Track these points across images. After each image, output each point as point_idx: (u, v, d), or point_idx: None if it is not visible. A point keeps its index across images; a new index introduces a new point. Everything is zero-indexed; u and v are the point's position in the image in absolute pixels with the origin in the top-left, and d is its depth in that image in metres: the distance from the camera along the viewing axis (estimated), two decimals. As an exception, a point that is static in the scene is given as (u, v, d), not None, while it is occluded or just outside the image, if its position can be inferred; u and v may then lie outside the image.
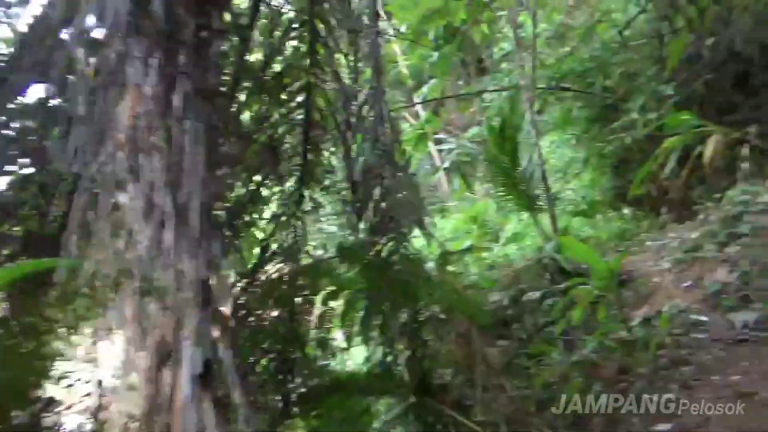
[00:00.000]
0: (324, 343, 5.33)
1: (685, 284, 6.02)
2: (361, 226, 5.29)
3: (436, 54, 8.33)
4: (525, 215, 8.12)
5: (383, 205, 5.21)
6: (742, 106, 8.41)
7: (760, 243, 5.59)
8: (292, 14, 4.69)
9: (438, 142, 11.06)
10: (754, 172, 7.61)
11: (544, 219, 8.48)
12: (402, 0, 7.11)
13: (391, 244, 5.32)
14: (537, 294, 6.50)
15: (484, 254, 8.49)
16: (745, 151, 7.00)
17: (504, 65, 9.55)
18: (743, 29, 7.97)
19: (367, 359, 5.87)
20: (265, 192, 4.97)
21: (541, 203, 8.07)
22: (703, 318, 5.16)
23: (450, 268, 8.50)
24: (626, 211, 9.26)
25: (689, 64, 8.73)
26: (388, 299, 5.18)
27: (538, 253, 7.35)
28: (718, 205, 7.09)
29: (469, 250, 7.46)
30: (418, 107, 11.95)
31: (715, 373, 3.89)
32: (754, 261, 5.39)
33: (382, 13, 5.95)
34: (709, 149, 7.93)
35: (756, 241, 5.67)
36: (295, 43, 4.70)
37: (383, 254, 5.30)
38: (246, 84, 4.59)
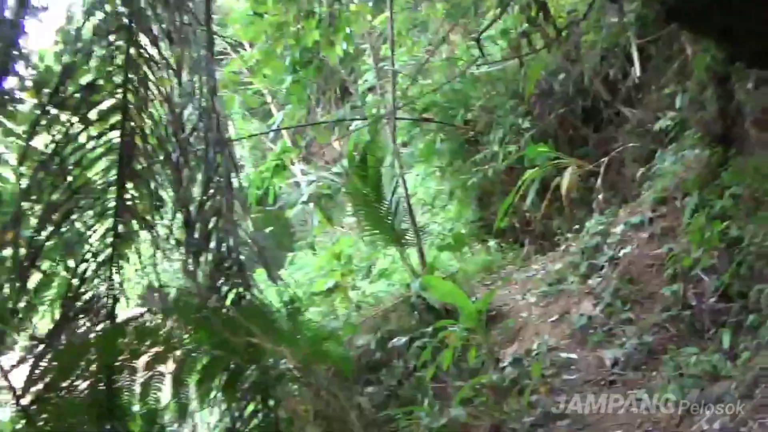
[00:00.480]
0: (151, 416, 4.36)
1: (552, 319, 5.84)
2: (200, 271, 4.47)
3: (289, 78, 7.79)
4: (393, 250, 7.69)
5: (225, 246, 4.45)
6: (592, 140, 8.75)
7: (619, 274, 5.55)
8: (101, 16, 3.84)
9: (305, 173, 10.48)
10: (608, 202, 7.84)
11: (413, 254, 8.12)
12: (245, 15, 6.49)
13: (235, 291, 4.56)
14: (404, 339, 6.01)
15: (351, 293, 7.92)
16: (598, 183, 7.15)
17: (369, 97, 9.27)
18: (590, 66, 8.31)
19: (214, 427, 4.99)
20: (69, 232, 3.99)
21: (408, 237, 7.69)
22: (573, 356, 4.94)
23: (311, 311, 7.84)
24: (492, 243, 9.21)
25: (543, 98, 8.97)
26: (233, 356, 4.38)
27: (407, 290, 6.90)
28: (578, 237, 7.14)
29: (332, 290, 6.84)
30: (285, 135, 11.31)
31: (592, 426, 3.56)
32: (615, 293, 5.32)
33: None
34: (565, 181, 8.09)
35: (615, 273, 5.63)
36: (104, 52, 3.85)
37: (225, 303, 4.53)
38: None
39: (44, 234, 3.89)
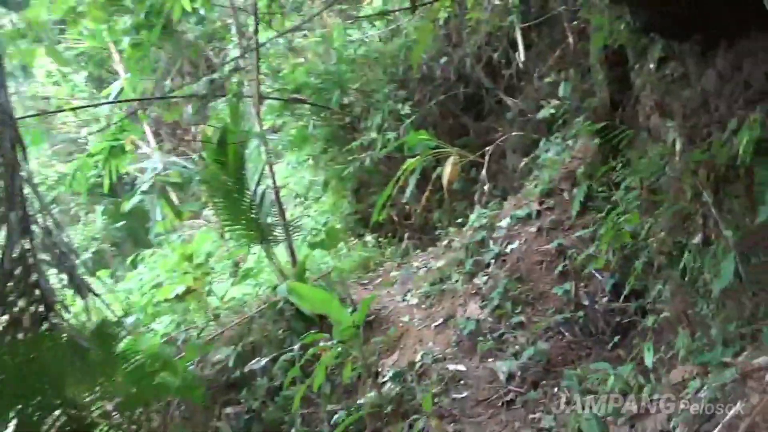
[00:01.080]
0: None
1: (436, 323, 5.24)
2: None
3: (127, 39, 6.45)
4: (258, 248, 6.70)
5: (15, 252, 3.27)
6: (473, 129, 8.35)
7: (507, 273, 5.07)
8: None
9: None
10: (491, 194, 7.46)
11: (283, 251, 7.20)
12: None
13: (33, 309, 3.41)
14: (264, 360, 5.13)
15: (211, 298, 6.82)
16: (483, 174, 6.70)
17: (228, 70, 8.10)
18: (472, 51, 7.88)
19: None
20: None
21: (276, 233, 6.75)
22: (461, 368, 4.34)
23: (163, 321, 6.63)
24: (369, 238, 8.52)
25: (424, 84, 8.42)
26: (26, 399, 3.25)
27: (274, 294, 5.98)
28: (461, 231, 6.64)
29: (182, 296, 5.74)
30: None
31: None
32: (504, 294, 4.81)
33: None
34: (446, 172, 7.58)
35: (502, 271, 5.14)
36: None
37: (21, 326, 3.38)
38: None
39: None
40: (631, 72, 4.53)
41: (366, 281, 7.39)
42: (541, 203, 5.48)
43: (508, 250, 5.31)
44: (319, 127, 8.95)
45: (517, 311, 4.63)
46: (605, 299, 4.33)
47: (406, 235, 8.46)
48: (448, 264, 5.94)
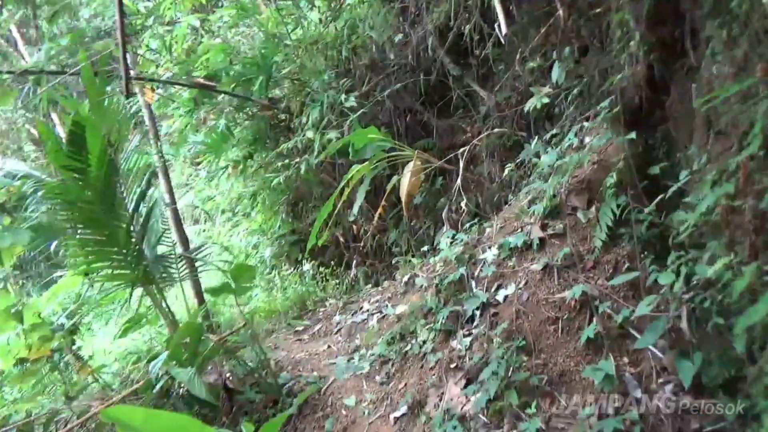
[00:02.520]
0: None
1: (398, 413, 3.47)
2: None
3: None
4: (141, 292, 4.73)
5: None
6: (437, 128, 6.64)
7: (503, 335, 3.35)
8: None
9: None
10: (461, 212, 5.78)
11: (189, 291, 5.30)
12: None
13: None
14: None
15: (78, 363, 4.82)
16: (456, 183, 4.97)
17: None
18: (435, 27, 6.19)
19: None
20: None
21: (171, 269, 4.83)
22: None
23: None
24: (307, 266, 6.69)
25: (374, 71, 6.68)
26: None
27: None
28: (426, 262, 4.92)
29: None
30: None
31: None
32: (503, 373, 3.08)
33: None
34: (404, 182, 5.86)
35: (495, 332, 3.42)
36: None
37: None
38: None
39: None
40: (687, 32, 2.90)
41: (301, 328, 5.56)
42: (544, 226, 3.79)
43: (500, 297, 3.60)
44: (244, 125, 7.07)
45: (527, 407, 2.90)
46: (672, 392, 2.65)
47: (354, 263, 6.68)
48: (412, 312, 4.17)
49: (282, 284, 6.73)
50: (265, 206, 7.59)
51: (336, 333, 5.05)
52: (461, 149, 5.30)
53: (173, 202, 5.29)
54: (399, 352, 3.96)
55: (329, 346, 4.79)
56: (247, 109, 7.04)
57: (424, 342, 3.81)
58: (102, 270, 4.37)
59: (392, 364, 3.93)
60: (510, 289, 3.58)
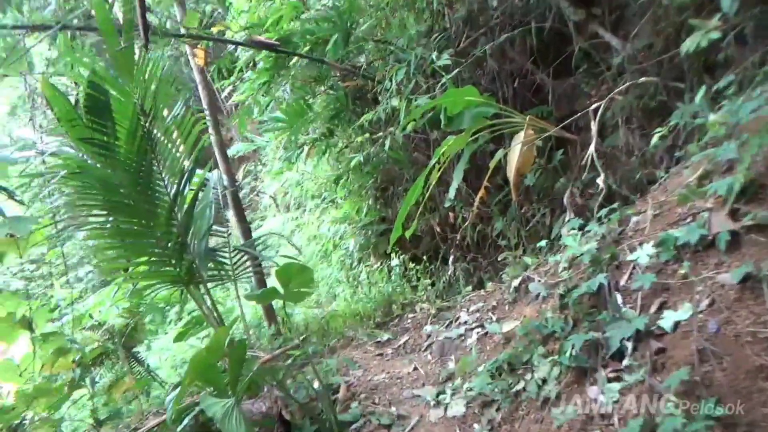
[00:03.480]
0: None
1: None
2: None
3: None
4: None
5: None
6: (553, 89, 5.30)
7: (682, 387, 2.10)
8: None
9: None
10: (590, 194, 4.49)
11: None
12: None
13: None
14: None
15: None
16: (590, 150, 3.64)
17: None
18: (552, -41, 4.86)
19: None
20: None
21: (227, 265, 3.99)
22: None
23: None
24: (395, 261, 5.65)
25: (472, 21, 5.46)
26: None
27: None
28: (545, 260, 3.70)
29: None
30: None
31: None
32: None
33: None
34: (514, 156, 4.61)
35: (666, 383, 2.18)
36: None
37: None
38: None
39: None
40: None
41: (384, 339, 4.53)
42: (735, 214, 2.45)
43: (666, 323, 2.34)
44: (323, 98, 6.13)
45: None
46: None
47: (451, 258, 5.54)
48: (526, 333, 2.99)
49: (368, 281, 5.76)
50: (351, 191, 6.65)
51: (425, 350, 3.98)
52: (596, 105, 3.96)
53: (232, 184, 4.44)
54: (507, 392, 2.81)
55: (416, 368, 3.72)
56: (328, 79, 6.08)
57: (544, 381, 2.63)
58: (134, 267, 3.59)
59: (497, 409, 2.79)
60: (684, 312, 2.31)
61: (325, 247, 7.64)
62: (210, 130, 4.53)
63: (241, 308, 3.81)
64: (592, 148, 3.47)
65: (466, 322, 3.88)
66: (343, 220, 6.99)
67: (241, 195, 12.45)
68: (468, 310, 4.10)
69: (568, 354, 2.56)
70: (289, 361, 3.70)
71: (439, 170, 4.33)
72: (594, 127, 3.53)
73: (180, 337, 4.40)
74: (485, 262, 5.35)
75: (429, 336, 4.12)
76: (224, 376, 3.06)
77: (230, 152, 11.23)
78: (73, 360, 3.44)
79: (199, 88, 4.50)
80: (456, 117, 4.33)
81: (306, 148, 6.03)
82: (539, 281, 3.39)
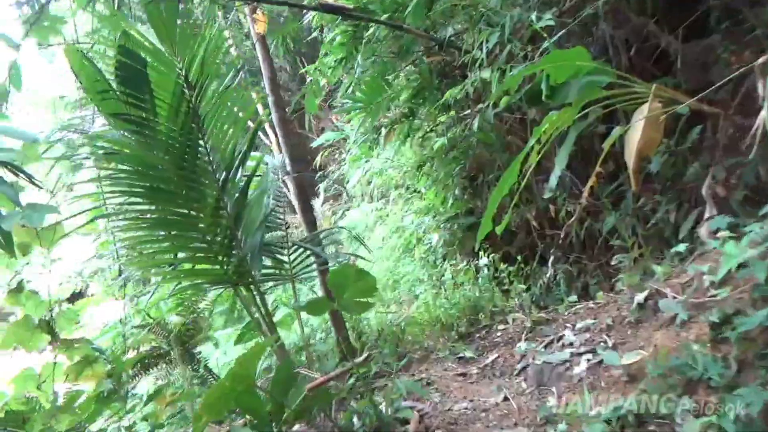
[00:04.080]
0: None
1: None
2: None
3: None
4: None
5: None
6: (682, 55, 4.30)
7: None
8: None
9: None
10: (730, 184, 3.55)
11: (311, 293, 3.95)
12: None
13: None
14: None
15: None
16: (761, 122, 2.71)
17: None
18: None
19: None
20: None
21: (285, 264, 3.44)
22: None
23: None
24: (483, 261, 4.89)
25: (583, -25, 4.55)
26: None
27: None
28: (679, 267, 2.85)
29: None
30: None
31: None
32: None
33: None
34: (635, 135, 3.67)
35: None
36: None
37: None
38: None
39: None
40: None
41: (467, 355, 3.82)
42: None
43: None
44: (405, 75, 5.47)
45: None
46: None
47: (551, 258, 4.70)
48: (660, 374, 2.18)
49: (452, 282, 5.05)
50: (435, 179, 5.95)
51: (518, 374, 3.23)
52: (733, 77, 3.02)
53: (295, 170, 3.90)
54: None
55: (506, 398, 2.99)
56: (410, 54, 5.40)
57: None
58: (176, 264, 3.11)
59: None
60: None
61: (407, 241, 7.00)
62: (271, 107, 4.01)
63: (299, 315, 3.25)
64: (760, 119, 2.55)
65: (571, 344, 3.09)
66: (426, 211, 6.32)
67: (324, 184, 12.11)
68: (573, 327, 3.30)
69: (732, 416, 1.75)
70: (351, 380, 3.10)
71: (538, 154, 3.56)
72: (763, 90, 2.60)
73: (239, 340, 3.94)
74: (592, 265, 4.47)
75: (523, 356, 3.36)
76: (266, 402, 2.51)
77: (318, 142, 10.86)
78: (106, 371, 3.05)
79: (260, 59, 4.00)
80: (561, 87, 3.49)
81: (384, 130, 5.40)
82: (675, 299, 2.54)
